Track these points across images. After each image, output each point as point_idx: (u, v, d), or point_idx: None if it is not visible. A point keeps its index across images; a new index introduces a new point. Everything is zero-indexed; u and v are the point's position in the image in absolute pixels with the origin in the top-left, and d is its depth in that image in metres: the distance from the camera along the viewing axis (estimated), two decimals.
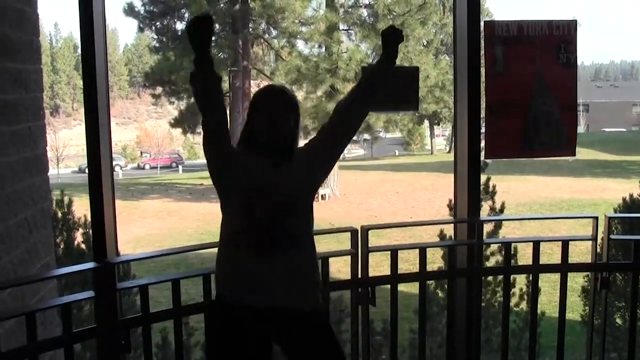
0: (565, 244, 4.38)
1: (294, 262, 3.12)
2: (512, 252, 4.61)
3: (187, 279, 3.95)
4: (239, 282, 3.14)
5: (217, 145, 3.10)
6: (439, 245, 6.47)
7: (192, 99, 31.77)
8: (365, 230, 4.11)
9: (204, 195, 31.84)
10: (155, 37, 34.74)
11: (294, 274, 3.13)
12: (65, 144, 52.21)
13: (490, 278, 8.14)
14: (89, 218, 4.03)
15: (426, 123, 52.71)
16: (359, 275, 4.14)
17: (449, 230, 7.74)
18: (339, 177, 30.24)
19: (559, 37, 4.31)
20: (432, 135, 55.90)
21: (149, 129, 66.08)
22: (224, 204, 3.17)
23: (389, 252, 4.22)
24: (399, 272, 4.24)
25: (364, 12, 29.32)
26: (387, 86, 3.32)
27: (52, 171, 3.91)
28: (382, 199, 27.36)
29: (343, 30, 29.82)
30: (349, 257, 4.15)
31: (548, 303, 8.82)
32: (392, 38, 3.23)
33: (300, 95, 29.60)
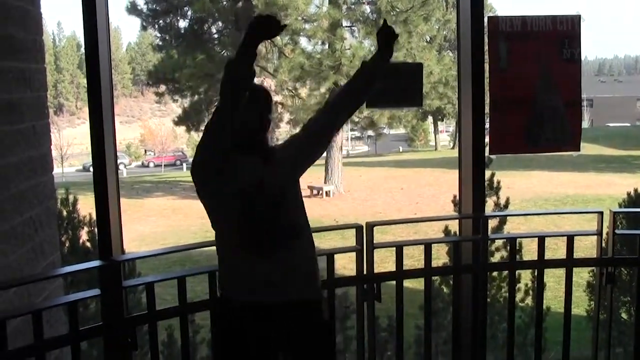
0: (570, 239, 4.38)
1: (294, 255, 3.14)
2: (517, 248, 4.61)
3: (192, 276, 3.96)
4: (240, 283, 3.15)
5: (220, 138, 2.96)
6: (444, 241, 6.47)
7: (195, 98, 31.70)
8: (370, 226, 4.11)
9: None
10: (159, 35, 34.75)
11: (295, 267, 3.15)
12: (69, 142, 52.26)
13: (495, 273, 8.13)
14: (94, 216, 4.05)
15: (430, 119, 52.70)
16: (364, 272, 4.14)
17: (454, 226, 7.74)
18: (343, 173, 30.26)
19: (563, 32, 4.30)
20: (436, 131, 55.84)
21: (153, 127, 66.14)
22: (218, 210, 3.17)
23: (394, 248, 4.22)
24: (404, 268, 4.25)
25: (367, 9, 29.30)
26: (383, 83, 3.32)
27: (56, 170, 3.90)
28: (387, 196, 27.35)
29: (346, 27, 29.82)
30: (354, 254, 4.15)
31: (553, 298, 8.80)
32: (387, 36, 3.23)
33: (303, 92, 29.64)
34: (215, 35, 33.28)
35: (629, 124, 61.11)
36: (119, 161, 3.81)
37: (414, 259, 4.92)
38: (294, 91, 30.52)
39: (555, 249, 5.27)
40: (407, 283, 4.28)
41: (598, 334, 4.63)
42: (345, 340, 7.73)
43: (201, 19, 32.35)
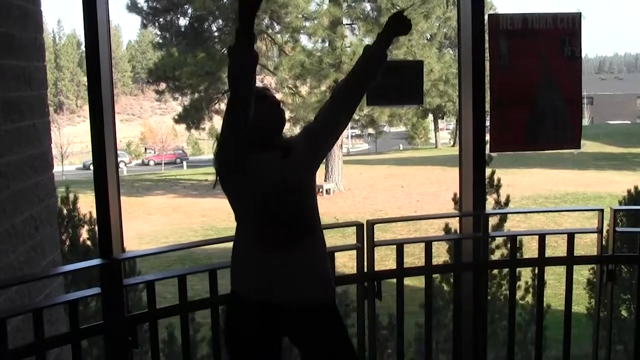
0: (570, 236, 4.38)
1: (311, 250, 3.15)
2: (517, 245, 4.61)
3: (193, 274, 3.96)
4: (254, 279, 3.16)
5: (237, 133, 2.96)
6: (444, 238, 6.48)
7: (196, 96, 31.75)
8: (371, 224, 4.11)
9: (208, 190, 31.86)
10: (159, 33, 34.77)
11: (313, 262, 3.16)
12: (69, 140, 52.31)
13: (495, 271, 8.13)
14: (94, 215, 4.05)
15: (430, 117, 52.68)
16: (365, 270, 4.14)
17: (454, 224, 7.74)
18: (343, 171, 30.27)
19: (564, 30, 4.30)
20: (436, 129, 55.85)
21: (153, 125, 66.23)
22: (238, 206, 3.18)
23: (395, 246, 4.22)
24: (405, 266, 4.24)
25: (367, 7, 29.31)
26: (384, 80, 3.29)
27: (56, 168, 3.90)
28: (387, 193, 27.38)
29: (346, 24, 29.81)
30: (354, 252, 4.15)
31: (554, 296, 8.80)
32: (398, 20, 3.17)
33: (304, 90, 29.64)
34: (216, 33, 33.27)
35: (629, 122, 61.14)
36: (119, 159, 3.81)
37: (414, 256, 4.91)
38: (294, 89, 30.52)
39: (556, 247, 5.29)
40: (408, 281, 4.28)
41: (599, 332, 4.63)
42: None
43: (201, 16, 32.35)
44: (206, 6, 30.21)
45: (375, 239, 4.12)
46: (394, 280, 4.22)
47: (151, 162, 57.78)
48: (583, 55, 4.47)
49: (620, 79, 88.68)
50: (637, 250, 4.39)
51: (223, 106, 36.30)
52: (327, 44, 29.43)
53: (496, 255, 7.79)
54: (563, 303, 4.45)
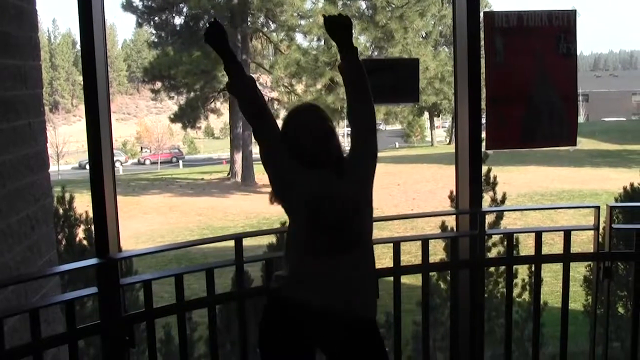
0: (567, 234, 4.38)
1: (359, 261, 3.16)
2: (514, 243, 4.61)
3: (189, 273, 3.96)
4: (296, 281, 3.17)
5: (275, 157, 3.14)
6: (441, 236, 6.47)
7: (191, 95, 31.74)
8: None
9: (204, 189, 31.90)
10: (154, 32, 34.80)
11: (356, 277, 3.15)
12: (65, 140, 52.18)
13: (492, 269, 8.13)
14: (90, 214, 4.04)
15: (426, 115, 52.70)
16: None
17: (450, 221, 7.74)
18: None
19: (559, 27, 4.30)
20: (432, 126, 55.83)
21: (149, 124, 66.16)
22: (290, 213, 3.20)
23: (391, 244, 4.22)
24: (402, 264, 4.24)
25: (363, 5, 29.34)
26: (379, 78, 3.31)
27: (52, 168, 3.91)
28: (383, 191, 27.35)
29: None
30: None
31: (550, 293, 8.81)
32: (335, 26, 3.24)
33: (299, 88, 29.66)
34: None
35: (624, 119, 61.18)
36: (115, 159, 3.78)
37: (411, 254, 4.93)
38: (290, 87, 30.55)
39: (552, 244, 5.29)
40: (404, 279, 4.28)
41: (596, 329, 4.64)
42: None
43: (196, 15, 32.36)
44: (201, 5, 30.21)
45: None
46: (391, 278, 4.22)
47: (147, 161, 57.69)
48: (578, 53, 4.47)
49: (615, 76, 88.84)
50: (633, 247, 4.39)
51: (219, 105, 36.37)
52: (322, 43, 29.45)
53: (493, 253, 7.80)
54: (560, 300, 4.46)
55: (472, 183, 4.28)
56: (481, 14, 4.26)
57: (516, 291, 7.69)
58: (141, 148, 66.16)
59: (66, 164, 53.20)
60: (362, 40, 29.01)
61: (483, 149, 4.37)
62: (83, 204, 7.63)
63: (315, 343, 3.24)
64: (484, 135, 4.34)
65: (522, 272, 7.11)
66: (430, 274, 4.58)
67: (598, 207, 4.41)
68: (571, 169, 29.63)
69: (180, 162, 54.56)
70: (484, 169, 7.59)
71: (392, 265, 4.21)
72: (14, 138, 3.67)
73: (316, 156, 3.12)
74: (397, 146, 55.47)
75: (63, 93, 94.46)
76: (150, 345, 3.82)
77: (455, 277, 4.37)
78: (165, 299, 4.08)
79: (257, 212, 24.87)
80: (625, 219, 7.52)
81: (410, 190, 26.95)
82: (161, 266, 14.75)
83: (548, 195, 24.13)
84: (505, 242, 4.55)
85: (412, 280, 4.78)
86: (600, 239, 4.47)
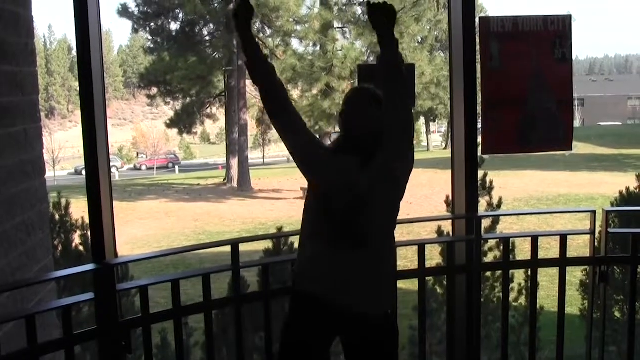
0: (563, 238, 4.38)
1: (360, 261, 3.14)
2: (510, 247, 4.61)
3: (186, 279, 3.96)
4: (305, 270, 3.25)
5: (298, 140, 3.19)
6: (437, 241, 6.47)
7: (187, 100, 31.71)
8: None
9: (201, 195, 31.86)
10: (150, 37, 34.83)
11: (358, 273, 3.14)
12: (61, 146, 52.10)
13: (488, 273, 8.13)
14: (86, 220, 4.03)
15: (422, 120, 52.73)
16: None
17: (447, 226, 7.74)
18: None
19: (554, 32, 4.31)
20: (428, 131, 55.91)
21: (145, 129, 66.08)
22: (309, 198, 3.24)
23: None
24: (398, 269, 4.24)
25: (359, 10, 29.35)
26: (375, 84, 3.27)
27: (48, 173, 3.89)
28: None
29: (338, 28, 29.85)
30: None
31: (546, 297, 8.83)
32: (377, 13, 3.07)
33: (295, 94, 29.65)
34: (207, 38, 33.29)
35: (620, 123, 61.34)
36: (111, 164, 3.78)
37: (407, 259, 4.93)
38: None
39: (548, 249, 5.29)
40: (401, 284, 4.27)
41: (592, 333, 4.64)
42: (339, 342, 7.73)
43: (192, 21, 32.38)
44: (197, 11, 30.23)
45: None
46: None
47: (143, 167, 57.67)
48: (574, 57, 4.48)
49: (610, 80, 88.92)
50: (629, 251, 4.40)
51: (215, 110, 36.39)
52: (318, 48, 29.49)
53: (489, 258, 7.80)
54: (556, 304, 4.46)
55: (468, 188, 4.29)
56: (477, 19, 4.27)
57: (512, 295, 7.68)
58: (137, 154, 66.13)
59: (62, 170, 53.12)
60: (358, 46, 29.05)
61: (479, 153, 4.38)
62: (79, 209, 7.63)
63: (327, 330, 3.27)
64: (480, 139, 4.35)
65: (519, 276, 7.12)
66: (427, 278, 4.58)
67: (594, 212, 4.42)
68: (567, 173, 29.67)
69: (177, 167, 54.57)
70: (480, 173, 7.59)
71: None
72: (10, 144, 3.66)
73: (344, 140, 3.17)
74: None
75: (59, 99, 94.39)
76: (147, 350, 3.82)
77: (452, 281, 4.37)
78: (161, 304, 4.08)
79: (253, 217, 24.86)
80: (621, 223, 7.53)
81: (407, 195, 26.75)
82: (157, 271, 14.73)
83: (544, 200, 24.14)
84: (502, 247, 4.55)
85: (408, 285, 4.78)
86: (596, 243, 4.48)
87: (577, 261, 4.89)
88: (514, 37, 4.28)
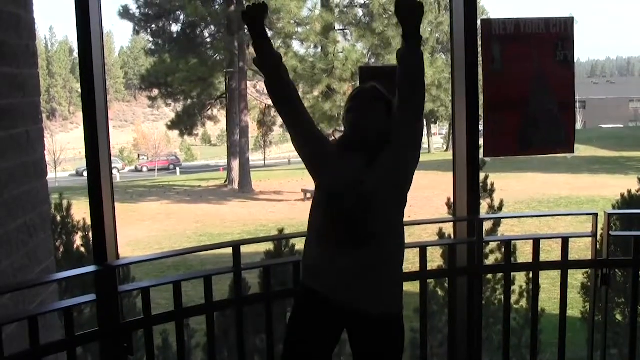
0: (565, 241, 4.38)
1: (363, 260, 3.14)
2: (511, 250, 4.61)
3: (187, 281, 3.96)
4: (310, 267, 3.28)
5: (303, 138, 3.23)
6: (439, 243, 6.46)
7: (188, 102, 31.74)
8: None
9: (202, 196, 31.87)
10: (151, 39, 34.86)
11: (360, 271, 3.14)
12: (62, 147, 52.18)
13: (489, 276, 8.12)
14: (87, 221, 4.04)
15: (423, 122, 52.73)
16: None
17: (448, 228, 7.73)
18: None
19: (556, 34, 4.31)
20: (429, 134, 55.91)
21: (146, 131, 66.21)
22: (316, 195, 3.26)
23: None
24: None
25: (360, 12, 29.39)
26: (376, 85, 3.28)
27: (50, 175, 3.91)
28: None
29: (339, 30, 29.88)
30: None
31: (548, 300, 8.82)
32: (403, 7, 2.99)
33: None
34: (208, 39, 33.34)
35: (621, 125, 61.29)
36: (112, 166, 3.78)
37: (408, 262, 4.89)
38: None
39: (550, 251, 5.28)
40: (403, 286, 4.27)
41: (593, 336, 4.64)
42: (340, 344, 7.73)
43: (193, 23, 32.41)
44: (198, 12, 30.24)
45: None
46: None
47: (144, 169, 57.72)
48: (576, 60, 4.48)
49: (612, 82, 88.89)
50: (631, 254, 4.40)
51: (216, 112, 36.41)
52: (319, 50, 29.51)
53: (490, 260, 7.78)
54: (557, 307, 4.46)
55: (470, 190, 4.29)
56: (478, 21, 4.27)
57: (514, 298, 7.69)
58: (138, 155, 66.22)
59: (64, 171, 53.19)
60: (359, 48, 29.06)
61: (480, 155, 4.38)
62: (81, 211, 7.62)
63: (333, 327, 3.28)
64: (481, 142, 4.35)
65: (520, 279, 7.12)
66: (428, 281, 4.58)
67: (596, 214, 4.42)
68: (569, 175, 29.65)
69: (178, 169, 54.60)
70: (481, 176, 7.60)
71: None
72: (12, 146, 3.67)
73: (350, 137, 3.17)
74: None
75: (60, 100, 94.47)
76: (149, 352, 3.82)
77: (453, 284, 4.37)
78: (162, 305, 4.07)
79: (254, 219, 24.86)
80: (623, 225, 7.52)
81: (408, 197, 26.82)
82: (159, 273, 14.72)
83: (545, 202, 24.12)
84: (503, 249, 4.55)
85: (409, 287, 4.76)
86: (598, 246, 4.47)
87: (579, 264, 4.89)
88: (516, 40, 4.28)
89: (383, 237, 3.17)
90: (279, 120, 30.57)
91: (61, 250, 7.93)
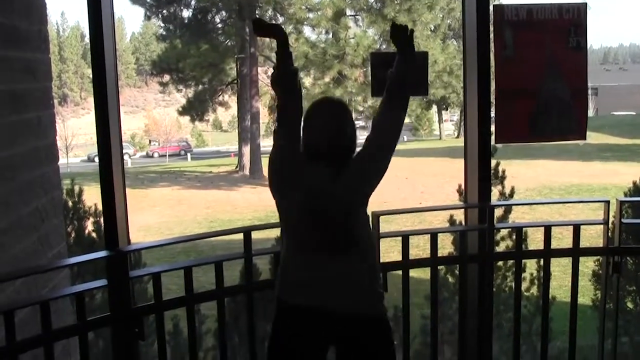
0: (576, 228, 4.37)
1: (355, 263, 3.15)
2: (522, 237, 4.60)
3: (198, 266, 3.97)
4: (287, 282, 3.22)
5: (287, 146, 3.18)
6: (450, 230, 6.47)
7: (199, 88, 31.84)
8: (377, 216, 4.10)
9: (212, 182, 31.93)
10: (162, 25, 34.83)
11: (355, 275, 3.15)
12: (74, 133, 52.32)
13: (500, 263, 8.12)
14: (99, 207, 4.05)
15: (434, 108, 52.60)
16: None
17: (459, 215, 7.73)
18: None
19: (569, 20, 4.28)
20: (440, 120, 55.78)
21: (157, 117, 66.27)
22: (283, 209, 3.21)
23: (400, 237, 4.22)
24: (410, 257, 4.24)
25: None
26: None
27: (61, 160, 3.94)
28: (391, 185, 27.31)
29: (350, 16, 29.78)
30: None
31: (558, 287, 8.77)
32: (399, 36, 3.27)
33: (307, 81, 29.62)
34: (219, 25, 33.31)
35: (634, 113, 60.89)
36: (123, 151, 3.80)
37: (418, 248, 4.92)
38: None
39: (561, 238, 5.26)
40: (413, 272, 4.28)
41: (604, 324, 4.63)
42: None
43: (205, 8, 32.37)
44: None
45: (380, 231, 4.12)
46: (400, 271, 4.22)
47: (155, 154, 57.77)
48: (588, 46, 4.45)
49: (625, 69, 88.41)
50: None
51: (227, 98, 36.42)
52: (330, 35, 29.41)
53: (501, 247, 7.78)
54: (568, 295, 4.45)
55: (481, 177, 4.28)
56: (490, 7, 4.25)
57: (524, 285, 7.67)
58: (149, 141, 66.27)
59: (75, 157, 53.33)
60: (370, 33, 28.97)
61: (492, 142, 4.36)
62: (92, 196, 7.65)
63: (323, 341, 3.24)
64: (493, 128, 4.34)
65: (530, 266, 7.09)
66: (439, 267, 4.57)
67: (608, 202, 4.39)
68: (580, 163, 29.55)
69: (189, 155, 54.62)
70: (493, 162, 7.56)
71: (400, 259, 4.21)
72: (24, 131, 3.68)
73: (318, 147, 3.13)
74: (405, 140, 55.35)
75: (72, 86, 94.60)
76: (160, 337, 3.84)
77: (464, 271, 4.37)
78: (173, 290, 4.09)
79: (264, 204, 24.87)
80: (635, 213, 7.50)
81: (418, 184, 26.90)
82: (169, 258, 14.77)
83: (557, 190, 24.07)
84: (514, 236, 4.54)
85: (420, 274, 4.77)
86: (609, 234, 4.46)
87: (590, 251, 4.87)
88: (529, 26, 4.25)
89: (359, 241, 3.18)
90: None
91: (73, 235, 7.97)
